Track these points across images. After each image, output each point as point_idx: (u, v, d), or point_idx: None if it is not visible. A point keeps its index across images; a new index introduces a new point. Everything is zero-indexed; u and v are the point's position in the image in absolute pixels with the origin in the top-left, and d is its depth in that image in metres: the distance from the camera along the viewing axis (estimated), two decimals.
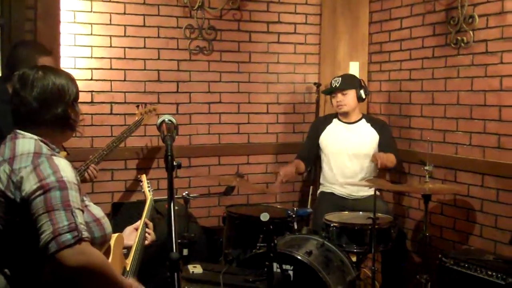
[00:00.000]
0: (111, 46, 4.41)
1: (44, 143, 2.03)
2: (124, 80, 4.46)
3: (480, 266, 3.41)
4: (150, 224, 2.68)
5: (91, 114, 4.36)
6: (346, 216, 3.97)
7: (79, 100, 2.18)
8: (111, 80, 4.42)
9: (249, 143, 4.92)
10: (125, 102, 4.46)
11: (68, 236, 1.83)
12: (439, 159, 4.17)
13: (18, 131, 2.05)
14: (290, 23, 4.98)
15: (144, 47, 4.50)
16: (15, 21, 4.04)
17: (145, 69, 4.52)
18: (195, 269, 3.27)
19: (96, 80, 4.38)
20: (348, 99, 4.37)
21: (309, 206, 4.60)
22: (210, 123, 4.76)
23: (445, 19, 4.21)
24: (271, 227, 2.91)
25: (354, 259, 3.74)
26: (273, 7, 4.91)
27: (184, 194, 3.81)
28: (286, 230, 3.73)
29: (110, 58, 4.41)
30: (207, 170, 4.75)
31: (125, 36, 4.44)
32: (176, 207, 1.88)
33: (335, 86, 4.38)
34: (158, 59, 4.55)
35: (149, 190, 3.06)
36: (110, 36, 4.40)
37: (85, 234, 1.88)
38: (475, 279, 3.41)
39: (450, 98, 4.23)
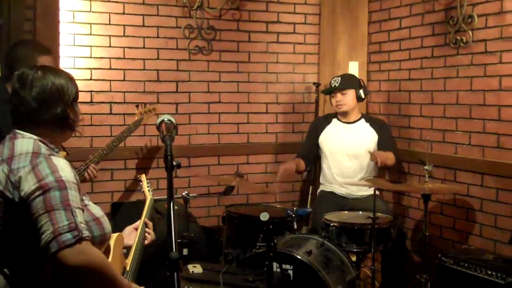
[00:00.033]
0: (110, 46, 4.41)
1: (43, 143, 2.03)
2: (124, 80, 4.46)
3: (479, 266, 3.41)
4: (150, 224, 2.68)
5: (91, 114, 4.36)
6: (345, 216, 3.97)
7: (79, 100, 2.18)
8: (110, 80, 4.42)
9: (248, 143, 4.92)
10: (124, 102, 4.46)
11: (68, 235, 1.83)
12: (439, 159, 4.17)
13: (17, 131, 2.05)
14: (289, 23, 4.98)
15: (144, 47, 4.50)
16: (14, 21, 4.04)
17: (144, 69, 4.52)
18: (195, 268, 3.28)
19: (96, 80, 4.38)
20: (347, 99, 4.38)
21: (308, 206, 4.60)
22: (209, 123, 4.76)
23: (444, 19, 4.22)
24: (270, 226, 2.91)
25: (354, 258, 3.74)
26: (272, 7, 4.91)
27: (183, 194, 3.81)
28: (286, 229, 3.73)
29: (110, 58, 4.41)
30: (206, 170, 4.75)
31: (124, 36, 4.44)
32: (175, 207, 1.88)
33: (335, 85, 4.38)
34: (158, 59, 4.55)
35: (148, 190, 3.06)
36: (109, 36, 4.40)
37: (86, 233, 1.88)
38: (474, 278, 3.41)
39: (450, 97, 4.23)
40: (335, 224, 3.73)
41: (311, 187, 4.76)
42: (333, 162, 4.44)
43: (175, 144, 2.08)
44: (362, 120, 4.47)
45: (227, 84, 4.80)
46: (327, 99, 4.67)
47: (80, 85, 2.20)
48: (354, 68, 4.96)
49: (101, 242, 2.06)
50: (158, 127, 2.23)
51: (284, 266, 3.24)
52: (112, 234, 2.20)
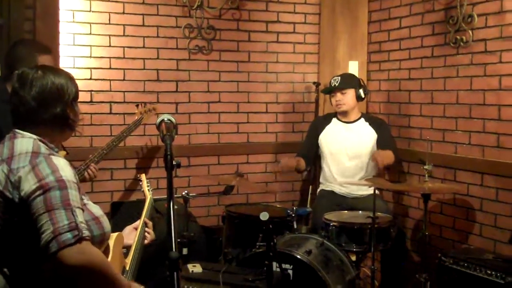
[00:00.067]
0: (110, 46, 4.41)
1: (43, 142, 2.03)
2: (123, 80, 4.46)
3: (479, 265, 3.40)
4: (150, 223, 2.68)
5: (90, 113, 4.36)
6: (345, 215, 3.97)
7: (78, 100, 2.18)
8: (110, 80, 4.43)
9: (248, 143, 4.92)
10: (124, 102, 4.46)
11: (68, 235, 1.83)
12: (439, 158, 4.17)
13: (17, 130, 2.05)
14: (289, 22, 4.98)
15: (143, 47, 4.51)
16: (14, 21, 4.04)
17: (144, 69, 4.52)
18: (195, 268, 3.28)
19: (95, 79, 4.38)
20: (347, 98, 4.38)
21: (308, 206, 4.60)
22: (209, 123, 4.76)
23: (444, 19, 4.22)
24: (270, 226, 2.91)
25: (353, 258, 3.74)
26: (272, 6, 4.91)
27: (183, 193, 3.81)
28: (285, 229, 3.73)
29: (109, 57, 4.41)
30: (206, 170, 4.76)
31: (124, 35, 4.44)
32: (175, 207, 1.88)
33: (334, 85, 4.38)
34: (157, 58, 4.55)
35: (148, 190, 3.06)
36: (109, 35, 4.40)
37: (86, 233, 1.88)
38: (474, 278, 3.41)
39: (450, 97, 4.23)
40: (335, 223, 3.73)
41: (311, 187, 4.76)
42: (333, 162, 4.44)
43: (175, 143, 2.08)
44: (362, 119, 4.47)
45: (227, 84, 4.80)
46: (327, 99, 4.67)
47: (80, 84, 2.20)
48: (354, 68, 4.96)
49: (100, 241, 2.06)
50: (158, 126, 2.23)
51: (283, 265, 3.24)
52: (112, 234, 2.21)
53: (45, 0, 4.09)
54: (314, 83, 4.92)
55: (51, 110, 2.04)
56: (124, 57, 4.45)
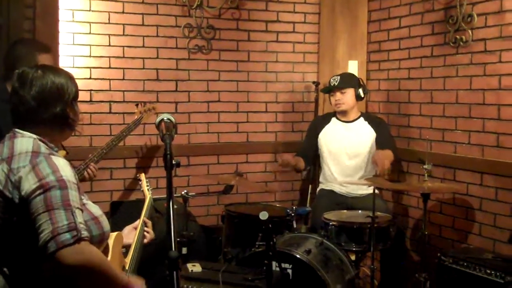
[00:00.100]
0: (109, 45, 4.41)
1: (43, 142, 2.03)
2: (123, 79, 4.46)
3: (479, 265, 3.40)
4: (149, 223, 2.68)
5: (90, 113, 4.36)
6: (345, 215, 3.97)
7: (78, 99, 2.18)
8: (110, 79, 4.43)
9: (248, 142, 4.92)
10: (124, 101, 4.46)
11: (67, 235, 1.83)
12: (438, 158, 4.17)
13: (17, 130, 2.05)
14: (289, 22, 4.98)
15: (143, 46, 4.50)
16: (13, 20, 4.03)
17: (144, 68, 4.52)
18: (194, 267, 3.28)
19: (95, 79, 4.38)
20: (346, 98, 4.38)
21: (308, 205, 4.60)
22: (209, 122, 4.76)
23: (444, 18, 4.22)
24: (270, 225, 2.91)
25: (353, 257, 3.74)
26: (272, 6, 4.91)
27: (183, 192, 3.81)
28: (285, 228, 3.73)
29: (109, 57, 4.41)
30: (206, 169, 4.76)
31: (123, 35, 4.44)
32: (175, 206, 1.88)
33: (334, 84, 4.38)
34: (157, 58, 4.55)
35: (148, 189, 3.06)
36: (109, 35, 4.40)
37: (85, 233, 1.88)
38: (474, 277, 3.41)
39: (449, 97, 4.23)
40: (335, 223, 3.73)
41: (310, 186, 4.76)
42: (332, 161, 4.44)
43: (174, 143, 2.09)
44: (361, 118, 4.47)
45: (226, 83, 4.80)
46: (327, 98, 4.67)
47: (80, 84, 2.20)
48: (353, 67, 4.96)
49: (100, 241, 2.06)
50: (158, 126, 2.23)
51: (283, 265, 3.24)
52: (111, 233, 2.21)
53: (44, 0, 4.09)
54: (313, 82, 4.92)
55: (51, 110, 2.04)
56: (123, 57, 4.45)
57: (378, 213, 3.71)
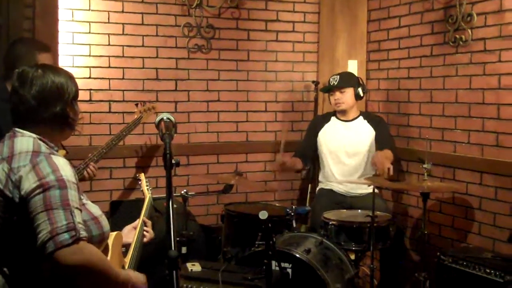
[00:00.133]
0: (109, 44, 4.41)
1: (43, 141, 2.03)
2: (123, 78, 4.46)
3: (478, 264, 3.41)
4: (149, 223, 2.68)
5: (90, 112, 4.36)
6: (344, 214, 3.97)
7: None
8: (109, 78, 4.43)
9: (247, 141, 4.92)
10: (123, 100, 4.46)
11: (66, 235, 1.83)
12: (438, 157, 4.17)
13: (17, 129, 2.05)
14: (288, 21, 4.98)
15: (143, 45, 4.50)
16: (13, 20, 4.03)
17: (143, 67, 4.52)
18: (194, 267, 3.28)
19: (95, 78, 4.38)
20: (346, 97, 4.38)
21: (307, 204, 4.61)
22: (208, 121, 4.76)
23: (444, 17, 4.22)
24: (269, 225, 2.91)
25: (352, 257, 3.74)
26: (271, 5, 4.91)
27: (182, 192, 3.80)
28: (284, 228, 3.73)
29: (109, 56, 4.41)
30: (205, 168, 4.76)
31: (123, 34, 4.44)
32: (174, 205, 1.88)
33: (333, 84, 4.39)
34: (157, 57, 4.55)
35: (147, 189, 3.06)
36: (108, 34, 4.40)
37: (83, 233, 1.88)
38: (473, 277, 3.41)
39: (449, 96, 4.23)
40: (334, 222, 3.73)
41: (310, 185, 4.77)
42: (331, 160, 4.44)
43: (174, 142, 2.09)
44: (360, 117, 4.47)
45: (226, 83, 4.80)
46: (326, 98, 4.68)
47: (79, 83, 2.20)
48: (353, 67, 4.96)
49: (99, 241, 2.06)
50: (157, 125, 2.23)
51: (283, 264, 3.24)
52: (111, 233, 2.20)
53: None
54: (313, 82, 4.92)
55: (51, 109, 2.03)
56: (123, 56, 4.45)
57: (378, 212, 3.72)
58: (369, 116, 4.52)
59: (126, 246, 2.50)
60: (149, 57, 4.52)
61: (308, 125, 4.75)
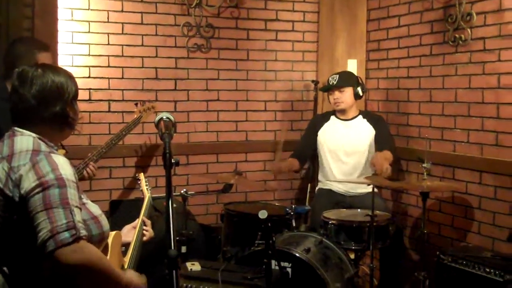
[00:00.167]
0: (108, 44, 4.40)
1: (43, 141, 2.03)
2: (122, 78, 4.46)
3: (478, 263, 3.41)
4: (148, 222, 2.68)
5: (89, 112, 4.36)
6: (344, 214, 3.98)
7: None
8: (109, 78, 4.42)
9: (247, 141, 4.92)
10: (123, 100, 4.46)
11: (66, 234, 1.83)
12: (437, 157, 4.17)
13: (17, 128, 2.05)
14: (288, 20, 4.98)
15: (142, 45, 4.50)
16: (13, 19, 4.03)
17: (143, 67, 4.52)
18: (194, 266, 3.28)
19: (94, 77, 4.38)
20: (345, 97, 4.38)
21: (307, 204, 4.60)
22: (208, 121, 4.76)
23: (443, 17, 4.22)
24: (269, 224, 2.91)
25: (352, 256, 3.75)
26: (271, 5, 4.91)
27: (182, 191, 3.80)
28: (284, 227, 3.74)
29: (108, 55, 4.41)
30: (205, 168, 4.76)
31: (122, 33, 4.44)
32: (174, 205, 1.88)
33: (333, 83, 4.39)
34: (156, 56, 4.55)
35: (147, 188, 3.06)
36: (108, 33, 4.40)
37: (83, 232, 1.88)
38: (473, 276, 3.41)
39: (448, 95, 4.23)
40: (334, 221, 3.74)
41: (309, 185, 4.77)
42: (331, 159, 4.44)
43: (173, 142, 2.09)
44: (360, 116, 4.48)
45: (225, 82, 4.80)
46: (326, 97, 4.67)
47: (79, 83, 2.20)
48: (352, 66, 4.96)
49: (99, 240, 2.06)
50: (157, 125, 2.23)
51: (282, 263, 3.24)
52: (110, 232, 2.20)
53: None
54: (312, 81, 4.93)
55: (51, 109, 2.03)
56: (122, 55, 4.44)
57: (377, 211, 3.72)
58: (368, 115, 4.52)
59: (126, 246, 2.50)
60: (149, 57, 4.52)
61: (307, 124, 4.75)
